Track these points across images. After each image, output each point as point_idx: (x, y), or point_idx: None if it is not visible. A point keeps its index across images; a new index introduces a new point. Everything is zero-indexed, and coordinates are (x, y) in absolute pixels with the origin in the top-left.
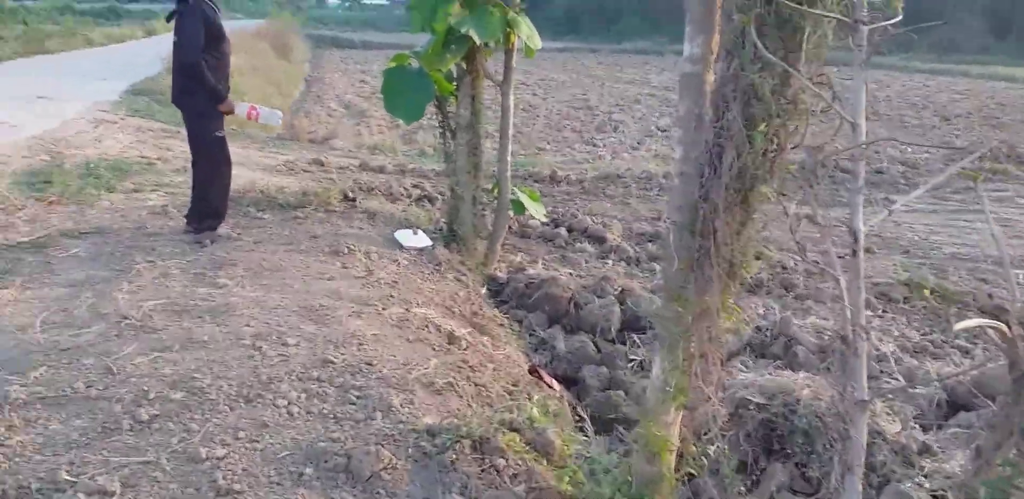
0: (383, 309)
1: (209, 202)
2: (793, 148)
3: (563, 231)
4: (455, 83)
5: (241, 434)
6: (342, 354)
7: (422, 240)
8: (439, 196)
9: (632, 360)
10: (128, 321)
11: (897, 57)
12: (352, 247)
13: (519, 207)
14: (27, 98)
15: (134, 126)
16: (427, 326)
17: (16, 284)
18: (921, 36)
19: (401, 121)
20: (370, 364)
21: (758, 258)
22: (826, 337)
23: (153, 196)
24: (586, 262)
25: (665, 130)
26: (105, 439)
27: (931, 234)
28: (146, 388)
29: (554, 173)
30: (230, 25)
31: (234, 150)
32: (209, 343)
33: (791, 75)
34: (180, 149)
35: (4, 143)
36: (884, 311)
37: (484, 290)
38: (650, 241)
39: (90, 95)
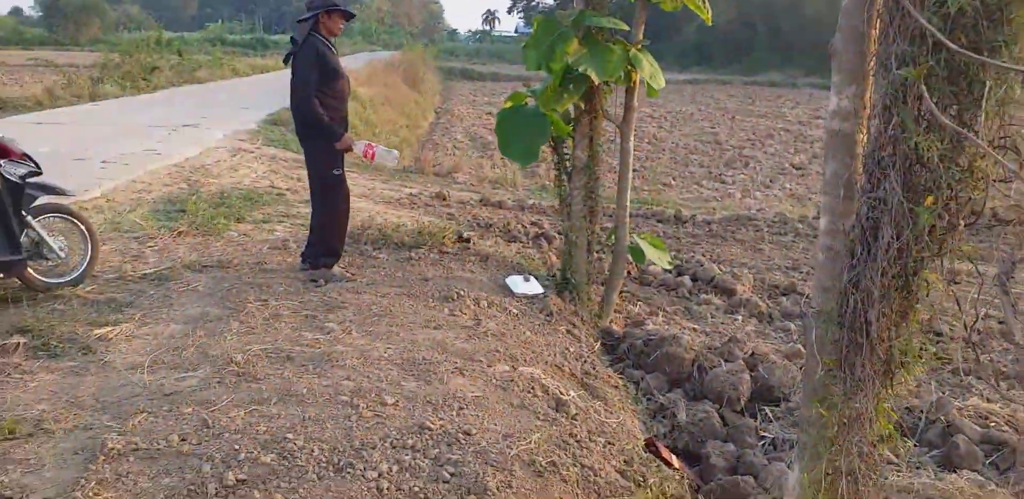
0: (488, 366)
1: (325, 241)
2: (967, 225)
3: (687, 280)
4: (572, 124)
5: None
6: (440, 419)
7: (534, 287)
8: (557, 235)
9: (763, 437)
10: (232, 367)
11: None
12: (462, 293)
13: (638, 255)
14: (174, 126)
15: (268, 155)
16: (533, 388)
17: (135, 318)
18: None
19: (518, 164)
20: (468, 434)
21: (921, 356)
22: (993, 425)
23: (279, 227)
24: (712, 317)
25: (800, 168)
26: None
27: None
28: (237, 447)
29: (679, 213)
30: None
31: (360, 182)
32: (307, 397)
33: (965, 138)
34: None
35: (148, 171)
36: None
37: (598, 345)
38: (784, 294)
39: (231, 124)
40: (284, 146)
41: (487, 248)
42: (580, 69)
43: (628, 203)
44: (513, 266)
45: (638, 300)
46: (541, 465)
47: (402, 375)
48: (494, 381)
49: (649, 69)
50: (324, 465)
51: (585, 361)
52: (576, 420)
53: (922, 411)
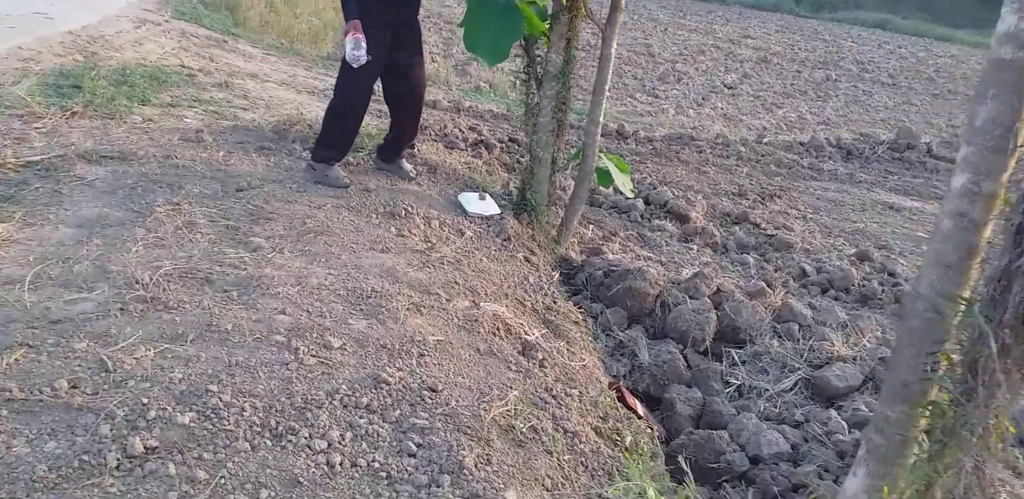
0: (447, 301)
1: (322, 130)
2: None
3: (640, 203)
4: (548, 21)
5: (264, 495)
6: (399, 370)
7: (490, 207)
8: (497, 143)
9: (729, 384)
10: (138, 289)
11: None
12: (410, 209)
13: (605, 178)
14: None
15: (178, 30)
16: (498, 328)
17: (16, 218)
18: (996, 10)
19: (482, 60)
20: (434, 390)
21: None
22: None
23: (190, 114)
24: (666, 245)
25: (731, 87)
26: (80, 481)
27: None
28: (146, 401)
29: (621, 127)
30: None
31: (280, 67)
32: (233, 335)
33: None
34: (224, 61)
35: (38, 38)
36: None
37: (557, 275)
38: (736, 223)
39: None
40: (196, 20)
41: (432, 156)
42: None
43: (601, 119)
44: (464, 180)
45: (589, 222)
46: (522, 432)
47: (348, 310)
48: (456, 320)
49: None
50: (258, 430)
51: (545, 294)
52: (545, 368)
53: None
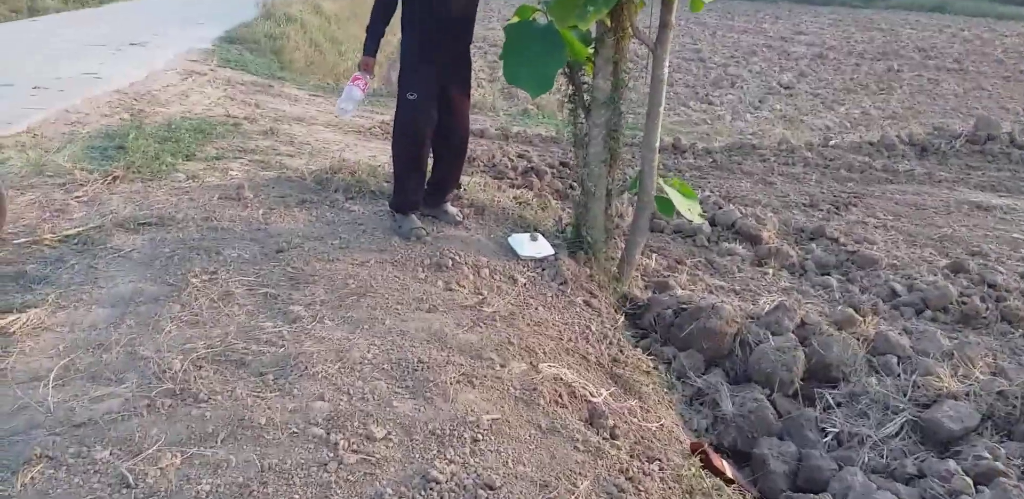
0: (501, 366)
1: (394, 170)
2: None
3: (706, 226)
4: (592, 45)
5: None
6: (450, 463)
7: (543, 248)
8: (548, 169)
9: (826, 432)
10: (167, 380)
11: None
12: (458, 258)
13: (667, 207)
14: (119, 45)
15: (224, 79)
16: (560, 395)
17: (49, 301)
18: None
19: (527, 93)
20: (491, 487)
21: None
22: None
23: (235, 165)
24: (739, 270)
25: (788, 87)
26: None
27: None
28: None
29: (677, 141)
30: None
31: (326, 109)
32: (267, 430)
33: None
34: (271, 106)
35: (86, 99)
36: None
37: (621, 319)
38: (811, 239)
39: (184, 42)
40: (242, 67)
41: (480, 195)
42: None
43: (657, 144)
44: (514, 220)
45: (652, 251)
46: None
47: (393, 388)
48: (512, 390)
49: None
50: None
51: (611, 343)
52: (618, 437)
53: (1017, 396)
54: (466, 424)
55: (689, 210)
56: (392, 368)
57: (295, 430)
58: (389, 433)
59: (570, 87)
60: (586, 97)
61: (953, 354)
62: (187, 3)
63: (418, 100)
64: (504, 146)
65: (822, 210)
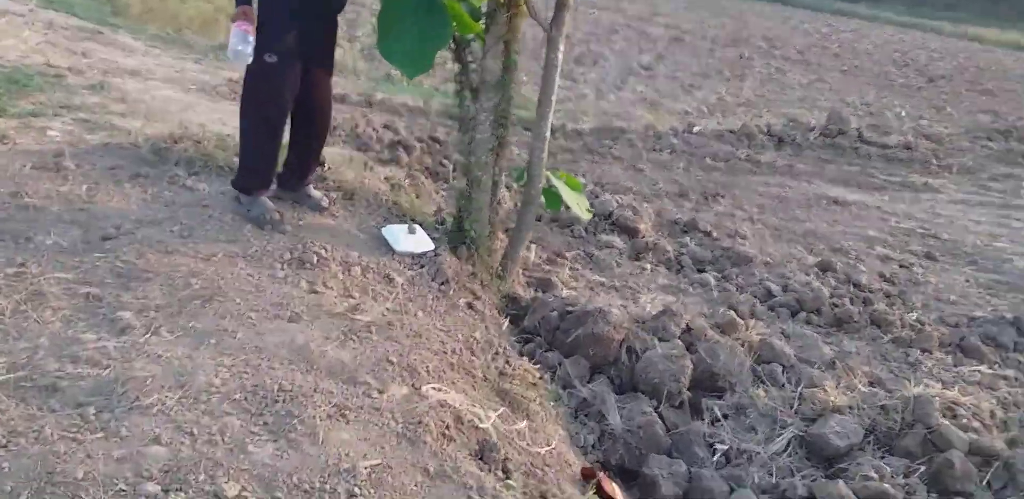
0: (380, 392)
1: (241, 153)
2: None
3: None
4: (483, 21)
5: None
6: None
7: (422, 242)
8: (417, 143)
9: (715, 449)
10: None
11: (865, 5)
12: (324, 252)
13: (555, 201)
14: None
15: (45, 21)
16: (447, 427)
17: None
18: None
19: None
20: None
21: None
22: (964, 421)
23: (55, 124)
24: (617, 265)
25: (648, 68)
26: None
27: (992, 239)
28: None
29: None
30: None
31: (166, 61)
32: (85, 489)
33: None
34: (99, 55)
35: None
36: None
37: (506, 323)
38: (684, 231)
39: None
40: (67, 9)
41: (347, 175)
42: None
43: (548, 133)
44: (387, 207)
45: (530, 242)
46: None
47: (248, 426)
48: (394, 424)
49: None
50: None
51: (497, 352)
52: (510, 471)
53: (898, 410)
54: (340, 474)
55: (578, 204)
56: (247, 398)
57: (123, 488)
58: (244, 490)
59: (456, 65)
60: (473, 78)
61: (835, 363)
62: None
63: (279, 64)
64: (368, 115)
65: (691, 200)
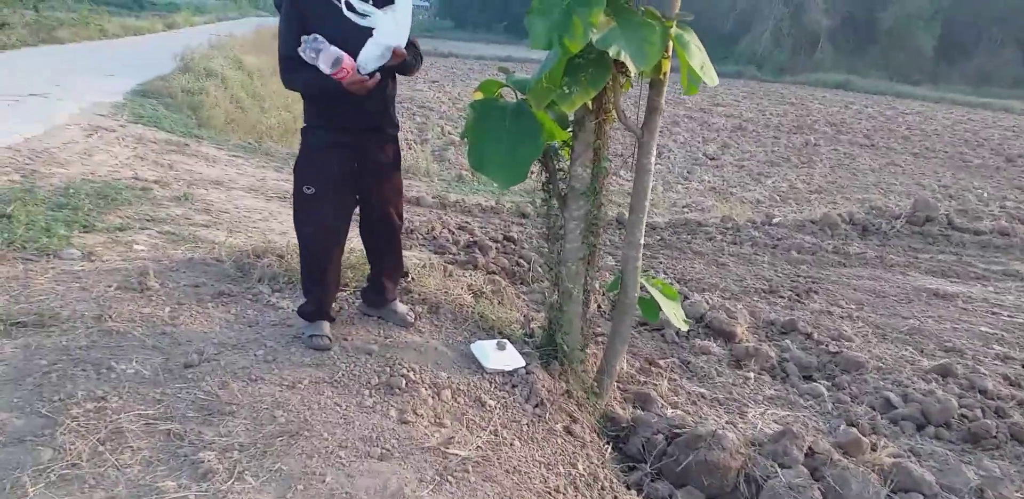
0: None
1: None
2: None
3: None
4: (571, 129)
5: None
6: None
7: (512, 359)
8: (492, 244)
9: None
10: None
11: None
12: (412, 375)
13: (651, 311)
14: (16, 95)
15: (134, 136)
16: None
17: None
18: (952, 67)
19: (496, 185)
20: None
21: None
22: None
23: (141, 238)
24: (718, 374)
25: (714, 158)
26: None
27: None
28: None
29: (621, 216)
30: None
31: (248, 170)
32: None
33: None
34: (185, 167)
35: None
36: None
37: (608, 450)
38: (783, 333)
39: (91, 94)
40: (155, 123)
41: (429, 284)
42: (611, 51)
43: (642, 241)
44: (474, 320)
45: None
46: None
47: None
48: None
49: (699, 56)
50: None
51: (602, 487)
52: None
53: None
54: None
55: (675, 315)
56: None
57: None
58: None
59: (544, 174)
60: (562, 186)
61: (983, 492)
62: (97, 52)
63: (317, 196)
64: (443, 216)
65: (783, 297)
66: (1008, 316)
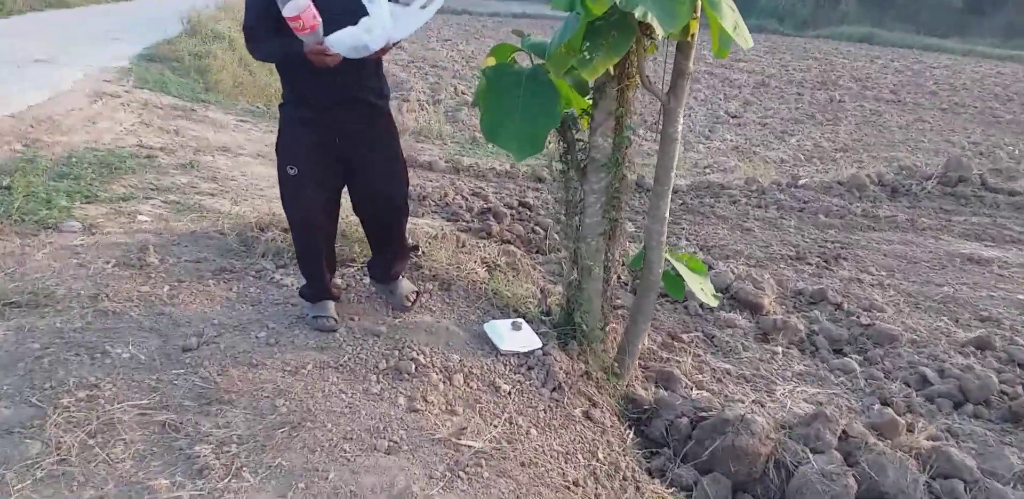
0: None
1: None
2: None
3: None
4: (591, 96)
5: None
6: None
7: (528, 340)
8: (506, 210)
9: None
10: None
11: (954, 41)
12: (422, 358)
13: (676, 287)
14: (23, 61)
15: (140, 101)
16: None
17: None
18: (981, 18)
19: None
20: None
21: None
22: None
23: (145, 208)
24: (744, 348)
25: (736, 116)
26: None
27: None
28: None
29: (641, 179)
30: None
31: (256, 135)
32: None
33: None
34: (192, 134)
35: None
36: None
37: (631, 435)
38: (812, 303)
39: (96, 59)
40: (161, 88)
41: (441, 258)
42: (637, 13)
43: (667, 214)
44: (487, 297)
45: None
46: None
47: None
48: None
49: (731, 16)
50: None
51: (624, 477)
52: None
53: None
54: None
55: (702, 290)
56: None
57: None
58: None
59: (561, 144)
60: (581, 157)
61: None
62: (104, 16)
63: (301, 176)
64: (456, 181)
65: (811, 263)
66: None
